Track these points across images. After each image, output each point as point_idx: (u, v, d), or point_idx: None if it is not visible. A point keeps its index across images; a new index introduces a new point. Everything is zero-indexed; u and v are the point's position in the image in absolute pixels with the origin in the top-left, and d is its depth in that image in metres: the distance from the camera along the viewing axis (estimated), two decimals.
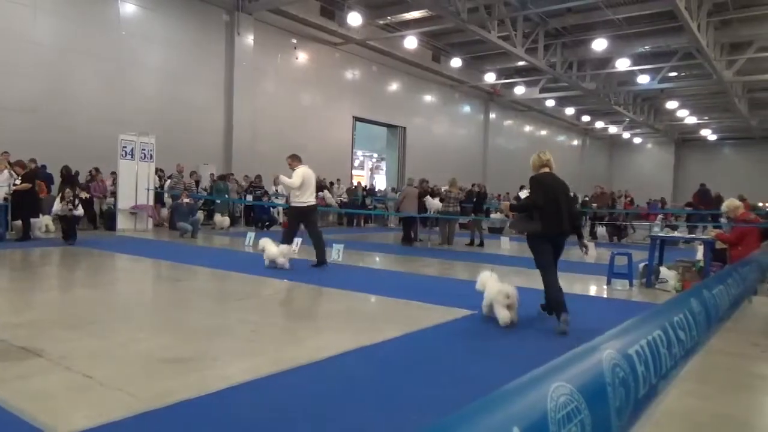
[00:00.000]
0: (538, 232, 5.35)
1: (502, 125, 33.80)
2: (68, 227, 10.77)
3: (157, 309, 5.54)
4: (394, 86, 25.88)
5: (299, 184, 8.36)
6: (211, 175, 17.33)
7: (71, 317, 4.99)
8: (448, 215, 13.16)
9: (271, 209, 17.00)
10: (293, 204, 8.51)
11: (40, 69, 14.51)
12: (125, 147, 14.45)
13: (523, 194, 6.44)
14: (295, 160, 8.63)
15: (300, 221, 8.44)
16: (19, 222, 11.23)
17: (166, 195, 15.54)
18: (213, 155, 18.29)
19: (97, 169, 14.80)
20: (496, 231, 18.68)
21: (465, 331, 5.13)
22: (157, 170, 15.43)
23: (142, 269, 8.06)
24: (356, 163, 29.92)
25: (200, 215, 14.81)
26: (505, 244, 13.59)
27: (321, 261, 8.47)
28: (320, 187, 19.64)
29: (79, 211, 11.11)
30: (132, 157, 14.53)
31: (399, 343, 4.61)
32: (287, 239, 8.40)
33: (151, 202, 14.81)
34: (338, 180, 21.58)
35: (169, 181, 15.55)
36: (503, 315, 5.31)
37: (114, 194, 14.58)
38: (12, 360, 3.83)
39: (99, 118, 15.63)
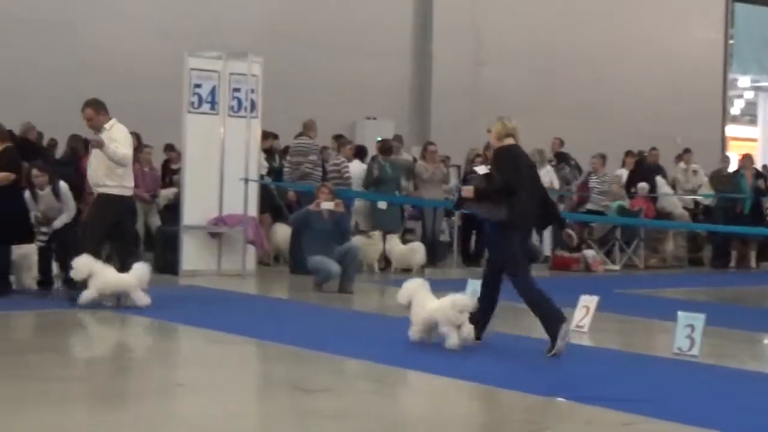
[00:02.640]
0: (514, 223, 5.96)
1: None
2: (42, 262, 8.47)
3: None
4: None
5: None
6: (380, 142, 12.44)
7: None
8: None
9: None
10: (104, 191, 7.73)
11: None
12: (197, 86, 10.34)
13: (481, 170, 6.36)
14: (100, 111, 7.79)
15: (113, 221, 7.80)
16: None
17: (290, 192, 11.88)
18: (386, 100, 15.14)
19: (138, 139, 11.11)
20: None
21: None
22: (267, 135, 11.55)
23: (237, 365, 6.44)
24: (736, 108, 23.92)
25: (361, 239, 10.72)
26: None
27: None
28: (649, 170, 14.02)
29: (64, 216, 8.33)
30: (212, 106, 10.44)
31: None
32: (92, 247, 7.64)
33: (255, 213, 10.92)
34: (686, 151, 14.80)
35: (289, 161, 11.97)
36: (453, 339, 5.67)
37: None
38: None
39: (146, 30, 13.34)
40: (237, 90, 10.67)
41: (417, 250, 11.35)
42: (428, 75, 16.07)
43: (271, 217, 11.92)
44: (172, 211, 10.88)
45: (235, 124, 10.67)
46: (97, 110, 7.72)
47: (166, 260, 10.48)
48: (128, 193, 8.00)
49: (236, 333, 7.20)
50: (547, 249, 13.17)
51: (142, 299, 7.69)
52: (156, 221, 11.38)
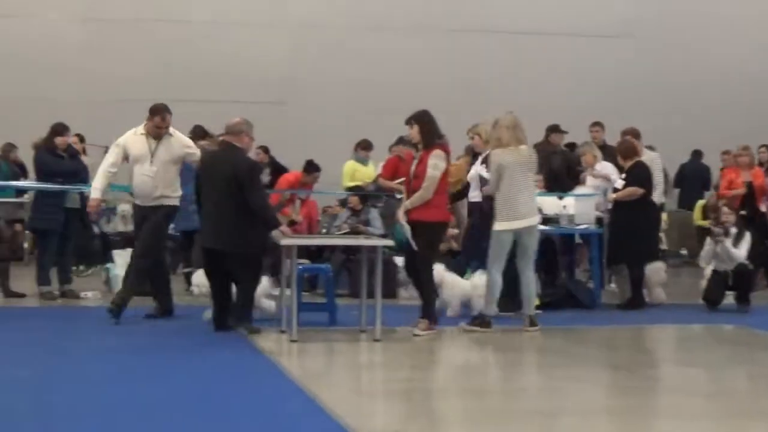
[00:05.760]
0: None
1: None
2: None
3: None
4: None
5: None
6: None
7: None
8: None
9: None
10: (171, 203, 7.47)
11: None
12: None
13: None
14: (169, 117, 7.55)
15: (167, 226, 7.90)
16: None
17: None
18: None
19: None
20: None
21: None
22: None
23: None
24: None
25: None
26: None
27: (167, 307, 7.67)
28: None
29: None
30: None
31: None
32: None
33: None
34: None
35: None
36: (490, 309, 6.87)
37: None
38: None
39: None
40: None
41: None
42: None
43: None
44: None
45: None
46: (170, 116, 7.35)
47: None
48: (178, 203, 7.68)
49: None
50: None
51: (269, 306, 7.16)
52: None
